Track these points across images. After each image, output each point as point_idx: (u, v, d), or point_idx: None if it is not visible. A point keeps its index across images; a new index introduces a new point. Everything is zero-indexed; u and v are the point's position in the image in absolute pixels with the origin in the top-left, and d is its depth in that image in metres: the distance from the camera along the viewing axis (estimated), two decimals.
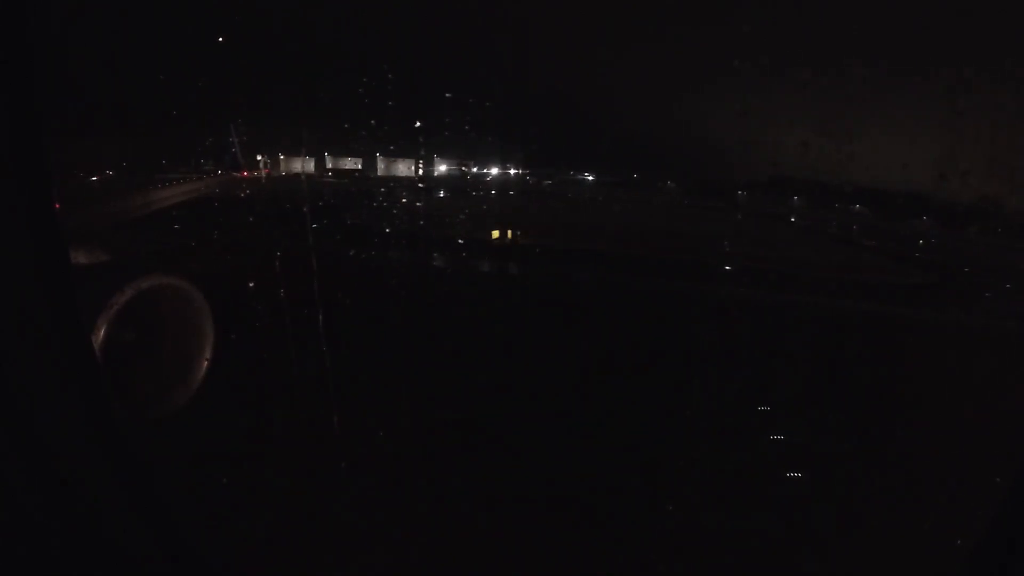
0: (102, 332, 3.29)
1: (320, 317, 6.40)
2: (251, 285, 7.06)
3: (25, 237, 1.49)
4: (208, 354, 4.04)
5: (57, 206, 1.68)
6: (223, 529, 4.01)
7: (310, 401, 5.85)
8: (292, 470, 5.00)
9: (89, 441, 1.63)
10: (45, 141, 1.59)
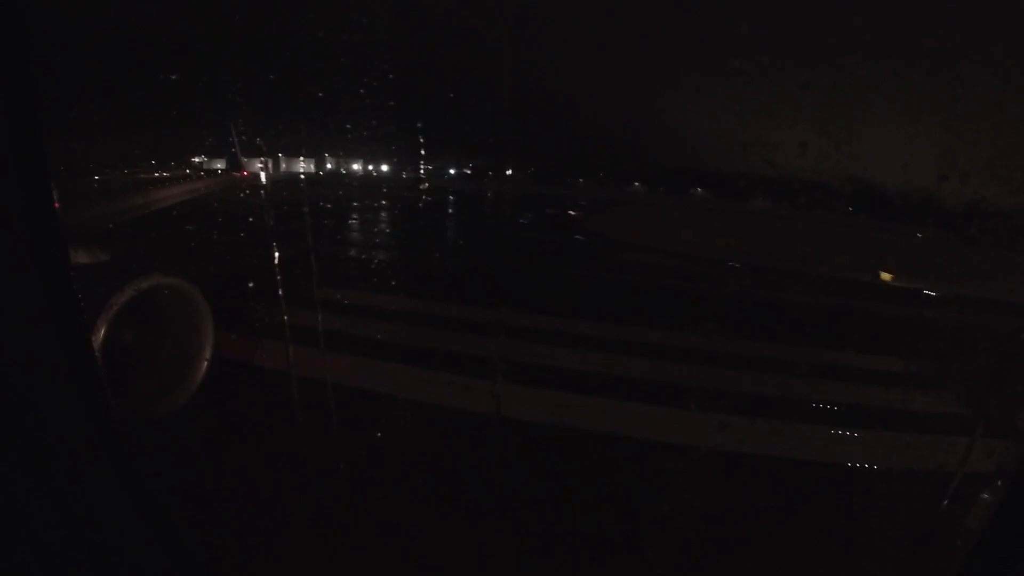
0: (102, 332, 3.29)
1: (319, 316, 6.39)
2: (251, 285, 7.06)
3: (25, 237, 1.49)
4: (208, 354, 4.04)
5: (57, 206, 1.67)
6: (222, 529, 4.01)
7: (309, 401, 5.86)
8: (291, 470, 5.00)
9: (89, 441, 1.63)
10: (45, 141, 1.59)
